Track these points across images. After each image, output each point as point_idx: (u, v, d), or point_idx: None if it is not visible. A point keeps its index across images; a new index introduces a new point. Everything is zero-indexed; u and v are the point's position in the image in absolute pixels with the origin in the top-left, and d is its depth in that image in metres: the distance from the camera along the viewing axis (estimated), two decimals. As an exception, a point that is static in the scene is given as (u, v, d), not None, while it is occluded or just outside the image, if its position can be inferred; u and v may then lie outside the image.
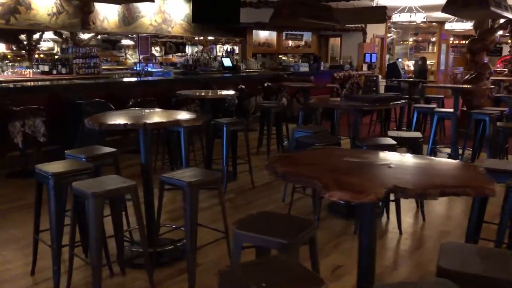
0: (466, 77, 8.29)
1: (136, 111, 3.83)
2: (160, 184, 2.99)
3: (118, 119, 3.19)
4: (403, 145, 4.34)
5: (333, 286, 2.91)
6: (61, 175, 2.90)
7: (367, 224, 2.10)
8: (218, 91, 6.41)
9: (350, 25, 12.37)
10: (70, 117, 6.02)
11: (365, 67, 12.97)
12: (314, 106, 5.94)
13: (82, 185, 2.72)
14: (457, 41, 18.46)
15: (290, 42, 13.33)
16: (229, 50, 12.22)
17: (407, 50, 17.28)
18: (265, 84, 9.76)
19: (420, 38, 17.88)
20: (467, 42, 8.12)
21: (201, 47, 12.45)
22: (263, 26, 11.30)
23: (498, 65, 22.93)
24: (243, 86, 9.10)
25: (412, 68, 15.89)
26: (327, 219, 4.17)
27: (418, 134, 4.59)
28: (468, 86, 7.51)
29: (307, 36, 13.25)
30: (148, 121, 3.04)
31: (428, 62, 15.98)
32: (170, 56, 13.39)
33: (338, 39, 14.75)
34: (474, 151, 6.27)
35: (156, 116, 3.42)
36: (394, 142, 3.95)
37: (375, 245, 2.12)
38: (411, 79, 11.87)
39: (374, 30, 13.62)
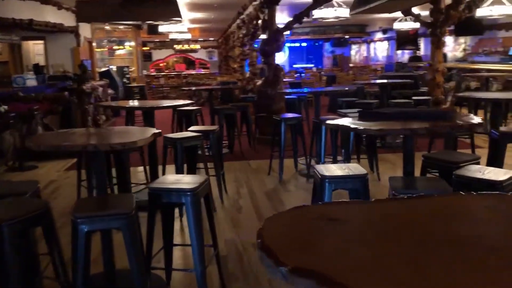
0: (259, 82, 7.79)
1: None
2: None
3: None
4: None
5: None
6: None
7: None
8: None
9: (60, 26, 9.76)
10: None
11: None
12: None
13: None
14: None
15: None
16: None
17: (103, 56, 15.43)
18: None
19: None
20: (260, 44, 7.55)
21: None
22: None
23: (152, 70, 23.98)
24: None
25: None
26: None
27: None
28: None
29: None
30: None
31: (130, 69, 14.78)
32: None
33: (33, 43, 11.56)
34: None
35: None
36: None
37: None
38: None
39: (84, 32, 11.32)
